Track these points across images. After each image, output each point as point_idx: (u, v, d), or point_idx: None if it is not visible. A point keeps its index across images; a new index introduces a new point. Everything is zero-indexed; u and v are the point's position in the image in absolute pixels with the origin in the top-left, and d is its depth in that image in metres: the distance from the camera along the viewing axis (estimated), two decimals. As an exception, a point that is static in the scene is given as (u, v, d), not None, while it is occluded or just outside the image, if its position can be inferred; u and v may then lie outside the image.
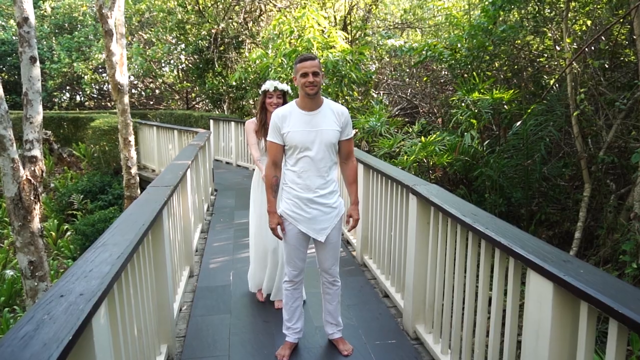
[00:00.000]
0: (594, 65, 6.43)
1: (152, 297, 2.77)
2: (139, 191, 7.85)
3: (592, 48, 7.50)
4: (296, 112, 2.82)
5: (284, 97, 3.53)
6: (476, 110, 6.50)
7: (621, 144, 7.43)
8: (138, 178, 8.02)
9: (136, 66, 16.44)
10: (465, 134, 6.46)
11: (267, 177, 2.89)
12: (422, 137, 6.34)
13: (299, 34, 9.25)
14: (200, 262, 4.82)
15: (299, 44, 9.09)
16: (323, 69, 8.56)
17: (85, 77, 17.85)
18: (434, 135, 6.39)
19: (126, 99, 7.52)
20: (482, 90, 6.80)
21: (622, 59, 7.69)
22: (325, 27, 9.40)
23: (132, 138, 7.76)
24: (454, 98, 7.37)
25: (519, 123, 6.50)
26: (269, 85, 3.44)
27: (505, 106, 7.02)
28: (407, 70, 14.30)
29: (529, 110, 6.59)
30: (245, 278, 4.33)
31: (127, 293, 2.13)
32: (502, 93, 6.41)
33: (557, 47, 8.77)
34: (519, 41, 9.35)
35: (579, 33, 8.02)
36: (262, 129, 3.51)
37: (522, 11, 9.62)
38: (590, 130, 7.40)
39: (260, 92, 3.51)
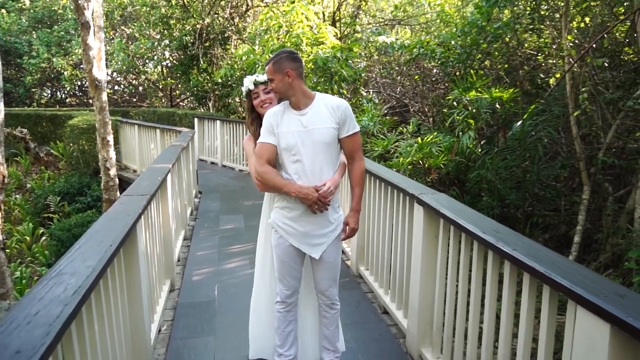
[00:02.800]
0: (597, 63, 6.18)
1: (125, 323, 2.41)
2: (118, 193, 7.42)
3: (586, 46, 7.26)
4: (288, 111, 2.49)
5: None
6: (474, 110, 6.21)
7: (620, 144, 7.22)
8: (117, 180, 7.59)
9: (118, 62, 15.92)
10: (463, 134, 6.16)
11: (261, 174, 2.47)
12: (419, 139, 6.03)
13: (287, 29, 8.89)
14: (182, 273, 4.45)
15: (288, 40, 8.73)
16: (312, 66, 8.22)
17: (65, 73, 17.25)
18: (431, 136, 6.09)
19: (104, 96, 7.08)
20: (479, 89, 6.51)
21: (621, 57, 7.46)
22: (314, 23, 9.05)
23: (110, 138, 7.32)
24: (449, 97, 7.07)
25: (519, 123, 6.23)
26: (248, 83, 2.83)
27: (498, 106, 6.75)
28: (397, 68, 14.03)
29: (530, 110, 6.31)
30: (231, 292, 3.98)
31: (91, 329, 1.77)
32: (501, 92, 6.12)
33: (552, 45, 8.54)
34: (514, 41, 9.11)
35: (575, 31, 7.78)
36: None
37: (517, 8, 9.38)
38: (590, 130, 7.17)
39: (243, 97, 2.89)
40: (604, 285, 1.59)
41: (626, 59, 7.48)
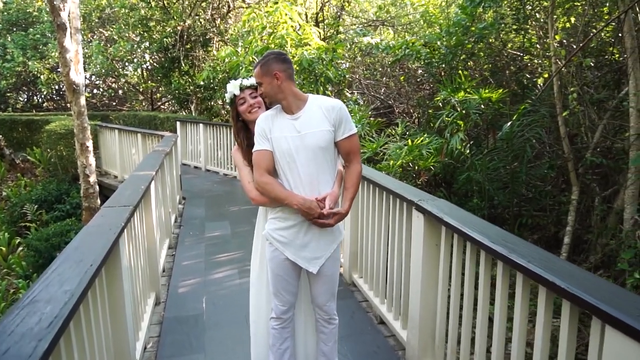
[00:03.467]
0: (586, 63, 6.14)
1: (109, 347, 2.23)
2: (98, 201, 7.16)
3: (574, 47, 7.26)
4: (280, 116, 2.34)
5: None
6: (463, 111, 6.12)
7: (608, 144, 7.22)
8: (98, 187, 7.32)
9: (97, 65, 15.54)
10: (453, 136, 6.07)
11: (262, 185, 2.31)
12: (409, 141, 5.92)
13: (271, 30, 8.72)
14: (167, 285, 4.25)
15: (272, 41, 8.56)
16: (297, 67, 8.07)
17: (42, 76, 16.78)
18: (421, 138, 5.98)
19: (82, 100, 6.82)
20: (468, 90, 6.44)
21: (606, 57, 7.47)
22: (299, 24, 8.90)
23: (90, 143, 7.06)
24: (438, 98, 6.98)
25: (509, 124, 6.16)
26: (232, 88, 2.57)
27: (483, 106, 6.68)
28: (380, 69, 13.96)
29: (519, 111, 6.25)
30: (220, 304, 3.80)
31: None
32: (490, 92, 6.05)
33: (537, 45, 8.53)
34: (498, 42, 9.08)
35: (559, 30, 7.77)
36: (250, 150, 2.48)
37: (500, 9, 9.37)
38: (578, 130, 7.16)
39: (227, 103, 2.64)
40: (632, 301, 1.47)
41: (611, 58, 7.50)
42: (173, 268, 4.64)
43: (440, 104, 9.67)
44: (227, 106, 2.74)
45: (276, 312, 2.49)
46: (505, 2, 8.95)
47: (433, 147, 6.24)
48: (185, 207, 7.03)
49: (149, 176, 3.70)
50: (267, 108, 2.48)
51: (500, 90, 6.20)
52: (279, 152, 2.29)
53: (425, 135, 6.23)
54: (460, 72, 7.18)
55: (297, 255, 2.37)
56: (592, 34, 6.27)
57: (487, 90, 6.08)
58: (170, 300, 3.93)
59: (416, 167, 6.12)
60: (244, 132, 2.59)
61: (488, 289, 2.22)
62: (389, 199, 3.34)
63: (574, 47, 6.94)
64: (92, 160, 7.10)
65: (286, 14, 8.51)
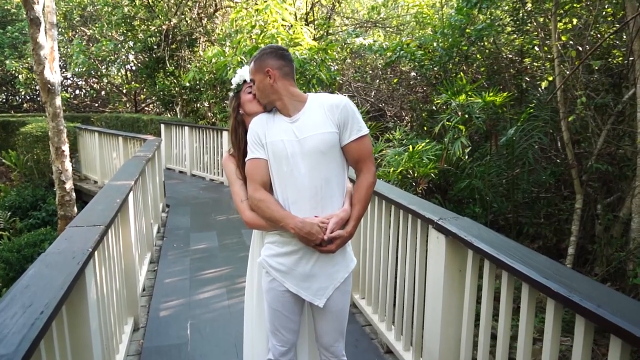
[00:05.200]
0: (595, 65, 5.86)
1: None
2: (75, 209, 6.68)
3: (580, 49, 6.99)
4: (277, 119, 1.97)
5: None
6: (466, 115, 5.79)
7: (613, 150, 6.96)
8: (74, 194, 6.83)
9: (78, 64, 14.97)
10: (454, 141, 5.73)
11: (256, 202, 1.95)
12: (410, 147, 5.56)
13: (261, 29, 8.33)
14: (148, 307, 3.81)
15: (261, 41, 8.16)
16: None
17: (20, 76, 16.14)
18: (422, 144, 5.63)
19: (58, 101, 6.33)
20: (469, 93, 6.11)
21: (609, 60, 7.22)
22: (290, 23, 8.53)
23: (66, 147, 6.56)
24: (437, 101, 6.65)
25: (512, 130, 5.84)
26: (244, 72, 2.14)
27: (482, 111, 6.37)
28: (371, 72, 13.65)
29: (524, 115, 5.94)
30: (206, 331, 3.39)
31: None
32: (494, 96, 5.73)
33: (536, 48, 8.27)
34: (492, 45, 8.81)
35: (562, 32, 7.51)
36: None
37: (497, 10, 9.10)
38: (584, 136, 6.88)
39: (232, 94, 2.19)
40: None
41: (614, 62, 7.25)
42: (154, 286, 4.21)
43: (435, 107, 9.39)
44: (230, 97, 2.24)
45: (274, 353, 2.09)
46: (504, 3, 8.70)
47: (432, 153, 5.90)
48: (169, 216, 6.58)
49: (126, 187, 3.27)
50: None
51: (505, 94, 5.88)
52: (275, 158, 1.92)
53: (428, 140, 5.88)
54: (461, 74, 6.85)
55: (300, 286, 1.98)
56: (600, 39, 5.97)
57: (491, 94, 5.74)
58: (150, 325, 3.50)
59: (415, 174, 5.76)
60: (242, 128, 2.15)
61: (532, 327, 1.86)
62: (398, 213, 2.97)
63: (580, 49, 6.67)
64: (68, 165, 6.61)
65: (277, 12, 8.12)
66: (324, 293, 1.99)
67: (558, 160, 7.05)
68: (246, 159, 2.00)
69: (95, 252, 2.23)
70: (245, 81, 2.15)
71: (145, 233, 4.56)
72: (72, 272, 1.75)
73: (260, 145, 1.95)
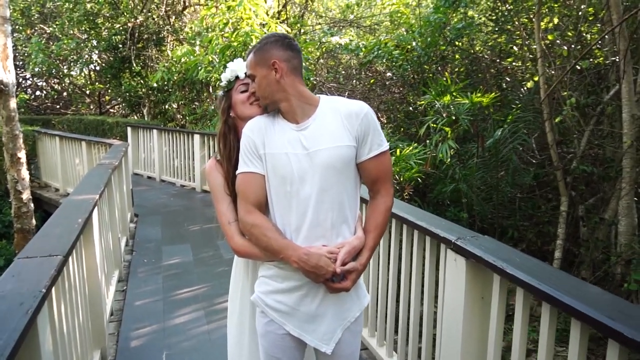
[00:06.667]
0: (584, 66, 5.72)
1: None
2: (34, 221, 6.13)
3: (565, 48, 6.88)
4: (278, 124, 1.61)
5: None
6: (453, 117, 5.56)
7: (597, 151, 6.88)
8: (32, 205, 6.27)
9: (37, 64, 14.18)
10: (442, 144, 5.49)
11: (248, 227, 1.60)
12: (397, 151, 5.29)
13: (234, 27, 7.93)
14: (117, 334, 3.39)
15: (235, 39, 7.77)
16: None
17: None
18: (409, 148, 5.37)
19: (13, 104, 5.79)
20: (454, 94, 5.89)
21: (591, 60, 7.14)
22: (264, 20, 8.16)
23: (22, 154, 6.02)
24: (422, 102, 6.40)
25: (499, 131, 5.65)
26: (236, 67, 1.76)
27: (463, 113, 6.19)
28: (343, 72, 13.39)
29: (510, 117, 5.77)
30: (185, 363, 3.00)
31: None
32: (480, 97, 5.52)
33: (515, 47, 8.16)
34: (468, 46, 8.67)
35: (544, 31, 7.39)
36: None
37: (476, 10, 8.97)
38: (564, 137, 6.77)
39: (221, 92, 1.82)
40: None
41: (595, 62, 7.17)
42: (124, 310, 3.78)
43: (412, 108, 9.18)
44: (219, 96, 1.86)
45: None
46: (482, 2, 8.57)
47: (418, 157, 5.65)
48: (138, 227, 6.11)
49: (89, 203, 2.85)
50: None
51: (492, 95, 5.67)
52: (276, 174, 1.57)
53: (415, 144, 5.62)
54: (446, 74, 6.63)
55: (304, 329, 1.64)
56: (581, 38, 5.84)
57: (478, 94, 5.53)
58: (120, 357, 3.09)
59: (401, 179, 5.50)
60: (234, 134, 1.77)
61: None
62: (399, 227, 2.67)
63: (565, 48, 6.54)
64: (25, 173, 6.06)
65: (250, 9, 7.75)
66: (332, 337, 1.65)
67: (546, 162, 6.92)
68: (237, 172, 1.64)
69: (53, 288, 1.83)
70: (237, 77, 1.78)
71: (112, 249, 4.12)
72: (19, 326, 1.36)
73: (256, 157, 1.59)
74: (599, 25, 6.94)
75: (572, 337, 1.55)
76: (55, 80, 18.57)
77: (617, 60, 5.96)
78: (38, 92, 20.80)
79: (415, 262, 2.48)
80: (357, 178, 1.64)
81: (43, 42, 13.75)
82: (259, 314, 1.69)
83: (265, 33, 7.93)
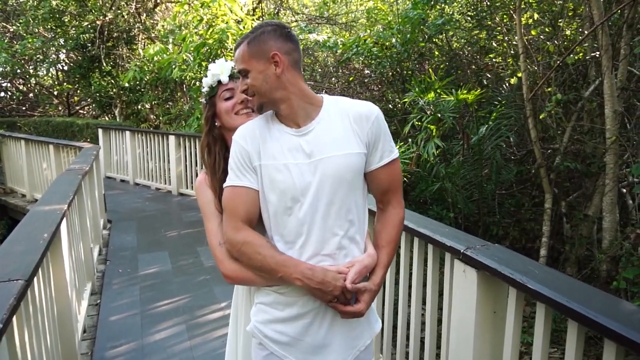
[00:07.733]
0: (570, 60, 5.67)
1: None
2: (-2, 231, 5.77)
3: (548, 43, 6.85)
4: (275, 130, 1.39)
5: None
6: (438, 114, 5.43)
7: (579, 147, 6.87)
8: (-4, 213, 5.90)
9: (1, 64, 13.58)
10: (427, 142, 5.37)
11: (237, 246, 1.38)
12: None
13: (209, 23, 7.66)
14: (90, 355, 3.13)
15: (210, 36, 7.50)
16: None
17: None
18: (397, 147, 5.21)
19: (-28, 106, 5.41)
20: (439, 91, 5.77)
21: (570, 55, 7.13)
22: (240, 17, 7.91)
23: (-16, 159, 5.65)
24: (405, 99, 6.27)
25: (484, 128, 5.55)
26: (218, 70, 1.53)
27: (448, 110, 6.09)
28: (320, 70, 13.23)
29: (494, 115, 5.68)
30: (167, 386, 2.77)
31: None
32: (467, 94, 5.41)
33: (495, 43, 8.11)
34: (445, 44, 8.59)
35: (524, 27, 7.35)
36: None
37: (450, 8, 8.89)
38: (550, 134, 6.74)
39: (203, 97, 1.58)
40: None
41: (575, 58, 7.17)
42: (98, 326, 3.51)
43: (391, 106, 9.06)
44: (202, 103, 1.62)
45: None
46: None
47: (404, 156, 5.51)
48: (112, 234, 5.80)
49: (57, 214, 2.59)
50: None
51: (477, 92, 5.57)
52: (274, 189, 1.36)
53: (402, 144, 5.47)
54: (429, 70, 6.51)
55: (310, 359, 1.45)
56: (561, 33, 5.79)
57: (464, 91, 5.42)
58: (94, 381, 2.84)
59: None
60: (220, 145, 1.57)
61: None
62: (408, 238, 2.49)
63: (548, 43, 6.49)
64: (-12, 180, 5.68)
65: (225, 5, 7.49)
66: (342, 368, 1.46)
67: (527, 159, 6.88)
68: (225, 185, 1.43)
69: (14, 317, 1.59)
70: (220, 82, 1.55)
71: (83, 260, 3.84)
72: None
73: (249, 170, 1.37)
74: (578, 20, 6.93)
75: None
76: (20, 80, 17.85)
77: (598, 56, 5.94)
78: (2, 94, 19.96)
79: (416, 274, 2.30)
80: (365, 189, 1.45)
81: (6, 41, 13.19)
82: (257, 346, 1.48)
83: (242, 30, 7.70)
